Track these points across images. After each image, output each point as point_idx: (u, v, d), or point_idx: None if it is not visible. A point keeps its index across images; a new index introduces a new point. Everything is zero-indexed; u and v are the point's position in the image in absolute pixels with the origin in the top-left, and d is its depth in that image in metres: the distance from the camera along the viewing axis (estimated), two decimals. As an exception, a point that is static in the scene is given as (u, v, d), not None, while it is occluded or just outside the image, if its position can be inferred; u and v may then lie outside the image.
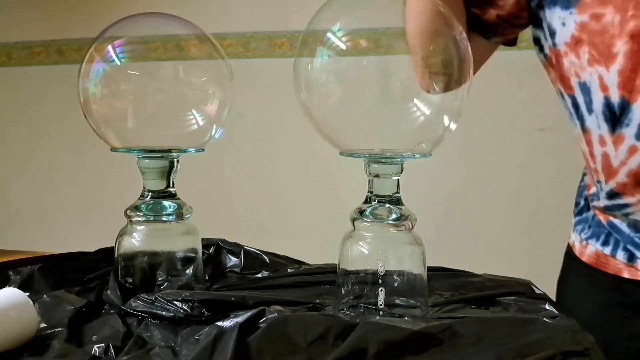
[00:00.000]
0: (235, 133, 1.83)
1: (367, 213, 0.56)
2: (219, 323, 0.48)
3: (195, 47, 0.65)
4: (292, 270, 0.71)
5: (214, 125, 0.64)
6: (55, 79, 2.07)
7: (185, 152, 0.63)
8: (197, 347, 0.45)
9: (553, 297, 0.64)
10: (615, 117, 0.66)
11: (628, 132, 0.65)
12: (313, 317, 0.50)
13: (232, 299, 0.55)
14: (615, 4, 0.63)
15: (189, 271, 0.63)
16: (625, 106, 0.65)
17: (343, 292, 0.56)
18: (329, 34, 0.54)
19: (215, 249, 0.75)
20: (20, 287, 0.57)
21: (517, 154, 1.78)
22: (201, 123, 0.64)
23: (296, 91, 0.56)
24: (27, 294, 0.51)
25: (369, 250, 0.55)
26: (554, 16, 0.68)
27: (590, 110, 0.68)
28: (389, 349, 0.44)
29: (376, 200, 0.56)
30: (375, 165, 0.55)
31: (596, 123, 0.68)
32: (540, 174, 1.72)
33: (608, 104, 0.66)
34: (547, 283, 0.66)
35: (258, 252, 0.74)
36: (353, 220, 0.56)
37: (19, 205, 2.18)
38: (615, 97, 0.65)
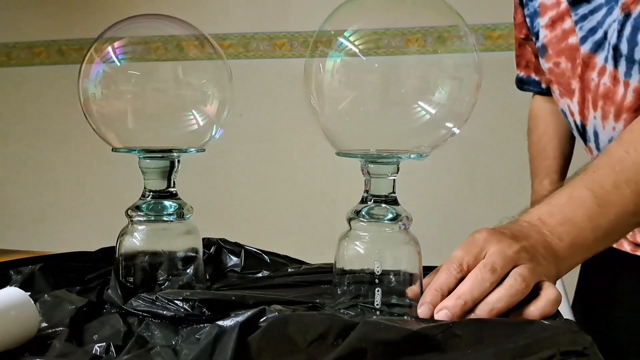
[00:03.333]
0: (235, 133, 1.83)
1: (364, 213, 0.56)
2: (220, 322, 0.48)
3: (195, 48, 0.66)
4: (292, 270, 0.71)
5: (214, 125, 0.65)
6: (55, 79, 2.07)
7: (186, 152, 0.63)
8: (198, 347, 0.45)
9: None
10: (582, 135, 0.85)
11: (592, 145, 0.83)
12: (313, 316, 0.50)
13: (233, 298, 0.56)
14: (566, 55, 0.82)
15: (190, 271, 0.64)
16: (583, 127, 0.84)
17: (339, 291, 0.57)
18: (339, 36, 0.54)
19: (216, 249, 0.75)
20: (21, 287, 0.57)
21: (517, 154, 1.78)
22: (201, 123, 0.64)
23: (306, 93, 0.56)
24: (28, 293, 0.51)
25: (365, 250, 0.55)
26: (541, 63, 0.90)
27: (572, 129, 0.88)
28: (388, 349, 0.45)
29: (372, 200, 0.56)
30: (372, 166, 0.55)
31: (577, 139, 0.88)
32: (540, 174, 1.72)
33: (576, 126, 0.85)
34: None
35: (258, 251, 0.75)
36: (349, 220, 0.56)
37: (19, 205, 2.18)
38: (578, 121, 0.84)
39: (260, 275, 0.71)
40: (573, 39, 0.81)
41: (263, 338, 0.45)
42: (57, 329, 0.51)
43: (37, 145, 2.15)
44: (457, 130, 0.56)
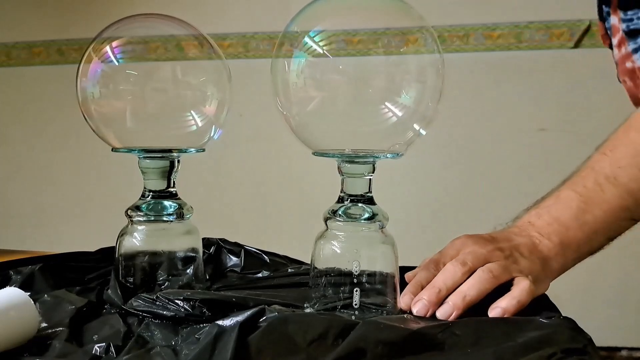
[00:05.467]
0: (235, 133, 1.83)
1: (340, 212, 0.56)
2: (219, 322, 0.48)
3: (195, 48, 0.66)
4: (292, 270, 0.71)
5: (214, 125, 0.65)
6: (55, 79, 2.07)
7: (185, 152, 0.63)
8: (198, 347, 0.45)
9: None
10: None
11: None
12: (313, 316, 0.50)
13: (234, 299, 0.56)
14: (629, 75, 0.80)
15: (190, 271, 0.64)
16: None
17: (316, 292, 0.57)
18: (304, 36, 0.55)
19: (216, 249, 0.75)
20: (21, 287, 0.57)
21: (517, 154, 1.78)
22: (200, 124, 0.64)
23: (273, 94, 0.57)
24: (28, 293, 0.51)
25: (341, 250, 0.56)
26: None
27: None
28: (388, 348, 0.45)
29: (349, 200, 0.57)
30: (348, 165, 0.56)
31: None
32: (540, 174, 1.72)
33: None
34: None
35: (258, 251, 0.75)
36: (326, 219, 0.57)
37: (19, 205, 2.18)
38: None
39: (260, 275, 0.71)
40: (629, 64, 0.82)
41: (263, 338, 0.45)
42: (57, 329, 0.51)
43: (37, 145, 2.14)
44: (423, 131, 0.56)
